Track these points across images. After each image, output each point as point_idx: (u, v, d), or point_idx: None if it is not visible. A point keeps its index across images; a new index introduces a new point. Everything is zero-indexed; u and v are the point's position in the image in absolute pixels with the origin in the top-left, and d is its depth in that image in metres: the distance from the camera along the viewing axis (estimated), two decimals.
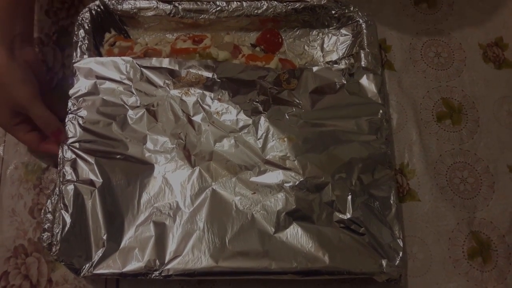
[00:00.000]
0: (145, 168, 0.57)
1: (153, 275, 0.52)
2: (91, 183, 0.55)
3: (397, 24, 0.71)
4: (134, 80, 0.60)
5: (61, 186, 0.55)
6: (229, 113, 0.60)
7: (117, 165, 0.57)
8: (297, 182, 0.56)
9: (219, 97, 0.60)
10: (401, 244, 0.55)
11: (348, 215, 0.55)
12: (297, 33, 0.69)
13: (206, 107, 0.60)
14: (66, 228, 0.53)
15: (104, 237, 0.53)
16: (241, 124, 0.59)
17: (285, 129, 0.59)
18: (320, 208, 0.55)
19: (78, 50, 0.63)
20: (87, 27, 0.64)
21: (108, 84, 0.60)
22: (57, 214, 0.54)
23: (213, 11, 0.66)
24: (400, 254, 0.54)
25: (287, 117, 0.59)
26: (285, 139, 0.58)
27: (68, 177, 0.56)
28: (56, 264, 0.59)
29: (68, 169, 0.56)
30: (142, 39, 0.69)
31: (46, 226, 0.54)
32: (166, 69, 0.61)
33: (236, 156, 0.57)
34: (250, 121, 0.59)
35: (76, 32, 0.64)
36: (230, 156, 0.57)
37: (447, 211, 0.62)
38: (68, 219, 0.54)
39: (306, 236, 0.54)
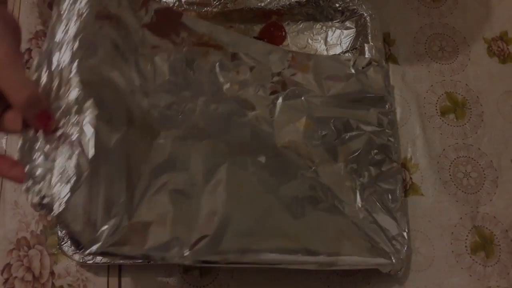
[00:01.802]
0: (154, 136, 0.48)
1: (180, 258, 0.44)
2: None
3: (401, 17, 0.71)
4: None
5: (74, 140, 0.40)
6: (246, 89, 0.56)
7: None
8: (310, 169, 0.55)
9: (238, 70, 0.56)
10: (406, 237, 0.55)
11: (358, 206, 0.55)
12: (301, 26, 0.69)
13: (222, 80, 0.55)
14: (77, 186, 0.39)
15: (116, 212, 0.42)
16: (257, 104, 0.56)
17: (300, 113, 0.57)
18: (331, 197, 0.54)
19: None
20: None
21: None
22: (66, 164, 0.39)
23: (216, 3, 0.66)
24: (405, 247, 0.54)
25: (304, 100, 0.57)
26: (300, 122, 0.56)
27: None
28: (59, 256, 0.59)
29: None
30: None
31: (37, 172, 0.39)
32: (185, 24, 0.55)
33: (250, 137, 0.54)
34: (267, 102, 0.56)
35: None
36: (243, 137, 0.54)
37: (450, 205, 0.61)
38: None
39: (316, 224, 0.52)
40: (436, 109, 0.66)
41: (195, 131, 0.51)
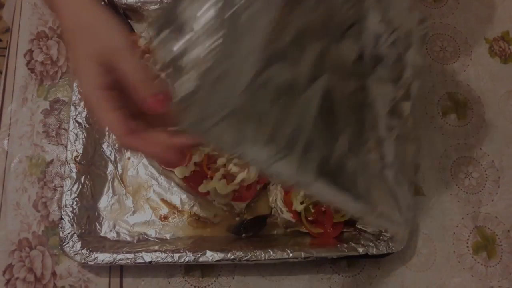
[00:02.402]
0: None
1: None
2: None
3: None
4: None
5: None
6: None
7: None
8: (380, 119, 0.50)
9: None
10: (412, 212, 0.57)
11: (392, 166, 0.54)
12: None
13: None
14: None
15: None
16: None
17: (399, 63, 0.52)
18: (379, 152, 0.51)
19: None
20: None
21: None
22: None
23: None
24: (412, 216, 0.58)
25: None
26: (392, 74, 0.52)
27: None
28: (60, 257, 0.59)
29: None
30: (146, 33, 0.68)
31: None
32: None
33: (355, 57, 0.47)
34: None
35: None
36: (352, 56, 0.46)
37: (452, 206, 0.61)
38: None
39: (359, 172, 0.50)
40: (438, 109, 0.66)
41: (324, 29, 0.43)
